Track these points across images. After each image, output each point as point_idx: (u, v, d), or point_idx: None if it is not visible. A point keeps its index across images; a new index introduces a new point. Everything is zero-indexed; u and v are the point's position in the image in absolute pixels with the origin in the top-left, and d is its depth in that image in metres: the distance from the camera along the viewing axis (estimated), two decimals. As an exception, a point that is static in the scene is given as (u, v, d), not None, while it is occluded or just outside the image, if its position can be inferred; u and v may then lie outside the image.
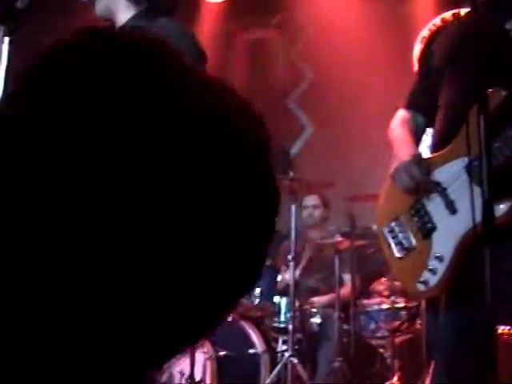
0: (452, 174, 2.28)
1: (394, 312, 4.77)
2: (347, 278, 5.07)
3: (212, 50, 7.21)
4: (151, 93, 0.60)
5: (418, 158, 2.37)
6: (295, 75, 7.35)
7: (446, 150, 2.34)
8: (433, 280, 2.30)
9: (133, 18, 2.63)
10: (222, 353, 4.80)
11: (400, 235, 2.46)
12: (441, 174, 2.33)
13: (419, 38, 6.43)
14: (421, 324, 4.55)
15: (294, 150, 6.97)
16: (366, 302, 5.06)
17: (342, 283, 5.09)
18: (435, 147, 2.44)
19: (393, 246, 2.48)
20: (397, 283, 4.45)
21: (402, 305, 4.76)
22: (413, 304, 4.57)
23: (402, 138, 2.56)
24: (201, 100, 0.63)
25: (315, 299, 5.14)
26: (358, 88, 6.59)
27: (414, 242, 2.41)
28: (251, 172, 0.64)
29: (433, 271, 2.30)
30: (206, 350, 4.74)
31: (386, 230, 2.53)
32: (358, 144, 6.42)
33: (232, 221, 0.62)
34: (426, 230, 2.36)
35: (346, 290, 5.02)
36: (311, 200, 5.52)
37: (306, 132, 7.15)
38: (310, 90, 7.26)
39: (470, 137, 1.96)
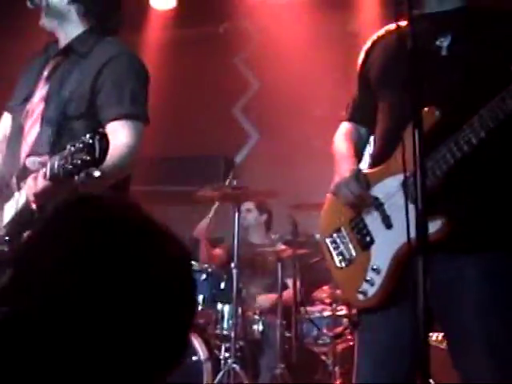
0: (388, 190, 2.36)
1: (335, 319, 4.83)
2: (290, 283, 5.11)
3: (158, 57, 7.21)
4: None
5: (357, 174, 2.43)
6: (241, 84, 7.38)
7: (384, 166, 2.41)
8: (371, 290, 2.38)
9: (83, 34, 2.63)
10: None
11: (341, 246, 2.53)
12: (378, 190, 2.40)
13: (363, 50, 6.51)
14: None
15: (238, 159, 7.00)
16: (308, 309, 5.11)
17: (285, 288, 5.14)
18: (374, 161, 2.51)
19: (335, 256, 2.55)
20: (339, 291, 4.50)
21: (343, 312, 4.83)
22: (354, 312, 4.63)
23: (344, 152, 2.62)
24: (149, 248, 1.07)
25: (261, 298, 5.18)
26: (302, 98, 6.65)
27: (354, 253, 2.48)
28: (171, 286, 1.06)
29: (370, 282, 2.38)
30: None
31: (328, 241, 2.59)
32: (303, 153, 6.48)
33: (154, 317, 1.04)
34: (365, 243, 2.43)
35: (289, 294, 5.06)
36: (246, 204, 5.55)
37: (251, 141, 7.19)
38: (255, 99, 7.30)
39: (405, 154, 2.02)
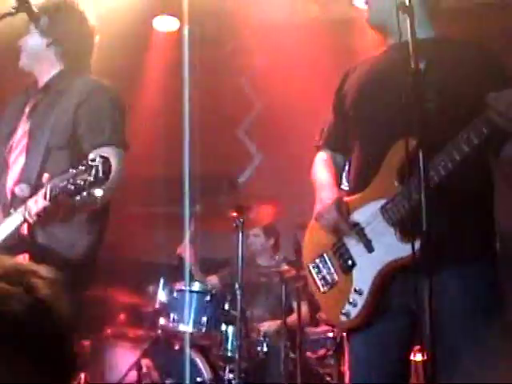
0: (369, 215, 2.47)
1: (340, 340, 4.82)
2: (296, 305, 5.10)
3: (163, 78, 7.25)
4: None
5: (338, 202, 2.55)
6: (244, 104, 7.41)
7: (364, 193, 2.53)
8: (354, 312, 2.49)
9: (60, 73, 2.82)
10: (168, 381, 4.78)
11: (324, 271, 2.64)
12: (359, 215, 2.51)
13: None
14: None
15: (242, 179, 7.02)
16: (313, 330, 5.10)
17: (291, 310, 5.13)
18: (353, 187, 2.63)
19: (317, 281, 2.66)
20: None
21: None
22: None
23: (324, 180, 2.75)
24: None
25: (264, 325, 5.17)
26: (306, 119, 6.67)
27: (336, 277, 2.59)
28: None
29: (353, 304, 2.48)
30: (153, 378, 4.72)
31: (311, 266, 2.70)
32: (306, 173, 6.48)
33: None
34: (347, 266, 2.53)
35: (295, 317, 5.06)
36: (253, 229, 5.61)
37: (255, 161, 7.21)
38: (258, 119, 7.33)
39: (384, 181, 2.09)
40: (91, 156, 2.35)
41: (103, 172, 1.98)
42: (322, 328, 5.13)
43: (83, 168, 2.00)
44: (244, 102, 7.42)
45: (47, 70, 2.82)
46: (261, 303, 5.36)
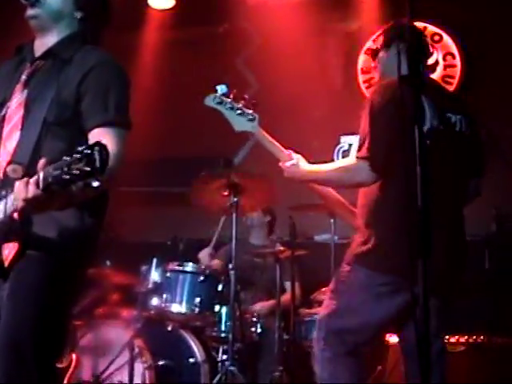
0: None
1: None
2: (289, 285, 5.08)
3: (157, 58, 7.18)
4: None
5: None
6: (240, 85, 7.34)
7: None
8: None
9: (66, 39, 2.56)
10: (161, 362, 4.76)
11: None
12: None
13: (364, 49, 6.52)
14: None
15: (237, 159, 6.97)
16: (306, 311, 5.08)
17: (283, 291, 5.11)
18: None
19: None
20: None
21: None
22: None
23: None
24: None
25: (257, 306, 5.15)
26: (302, 99, 6.62)
27: None
28: None
29: None
30: (145, 359, 4.69)
31: None
32: (302, 154, 6.42)
33: None
34: None
35: (287, 297, 5.04)
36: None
37: (250, 141, 7.15)
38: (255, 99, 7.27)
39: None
40: (89, 141, 2.23)
41: (100, 162, 1.84)
42: (316, 309, 5.10)
43: (78, 156, 1.85)
44: (239, 82, 7.36)
45: (56, 34, 2.56)
46: (254, 283, 5.34)
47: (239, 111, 3.08)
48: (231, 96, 3.08)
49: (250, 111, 3.08)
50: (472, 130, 3.08)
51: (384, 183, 2.92)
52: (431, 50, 3.28)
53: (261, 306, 5.17)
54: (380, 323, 2.98)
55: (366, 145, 2.87)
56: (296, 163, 3.10)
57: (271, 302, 5.10)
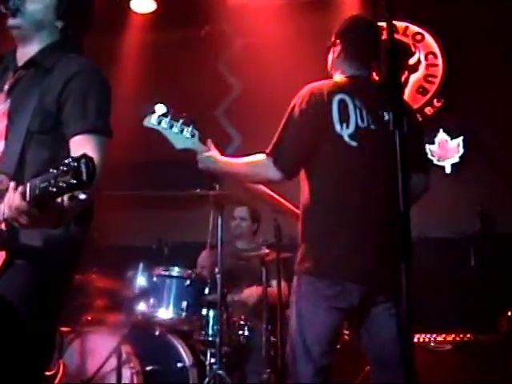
0: None
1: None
2: (275, 283, 5.07)
3: (139, 61, 7.17)
4: None
5: None
6: (223, 87, 7.34)
7: None
8: None
9: (47, 48, 2.55)
10: (149, 367, 4.74)
11: None
12: None
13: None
14: (348, 335, 4.59)
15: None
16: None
17: (270, 286, 5.10)
18: None
19: None
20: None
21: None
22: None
23: None
24: None
25: (246, 292, 5.15)
26: (285, 100, 6.61)
27: None
28: None
29: None
30: (132, 365, 4.67)
31: None
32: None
33: None
34: None
35: (274, 291, 5.02)
36: (240, 212, 5.65)
37: (234, 144, 7.15)
38: (237, 103, 7.27)
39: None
40: (71, 149, 2.26)
41: (87, 174, 1.82)
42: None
43: (65, 169, 1.83)
44: (222, 84, 7.35)
45: (36, 43, 2.55)
46: (241, 286, 5.33)
47: (178, 129, 3.05)
48: (170, 115, 3.05)
49: (190, 128, 3.05)
50: (411, 127, 3.05)
51: (309, 190, 2.99)
52: (381, 45, 3.26)
53: (249, 293, 5.17)
54: (334, 326, 2.93)
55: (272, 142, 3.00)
56: (211, 154, 3.08)
57: (259, 289, 5.07)
